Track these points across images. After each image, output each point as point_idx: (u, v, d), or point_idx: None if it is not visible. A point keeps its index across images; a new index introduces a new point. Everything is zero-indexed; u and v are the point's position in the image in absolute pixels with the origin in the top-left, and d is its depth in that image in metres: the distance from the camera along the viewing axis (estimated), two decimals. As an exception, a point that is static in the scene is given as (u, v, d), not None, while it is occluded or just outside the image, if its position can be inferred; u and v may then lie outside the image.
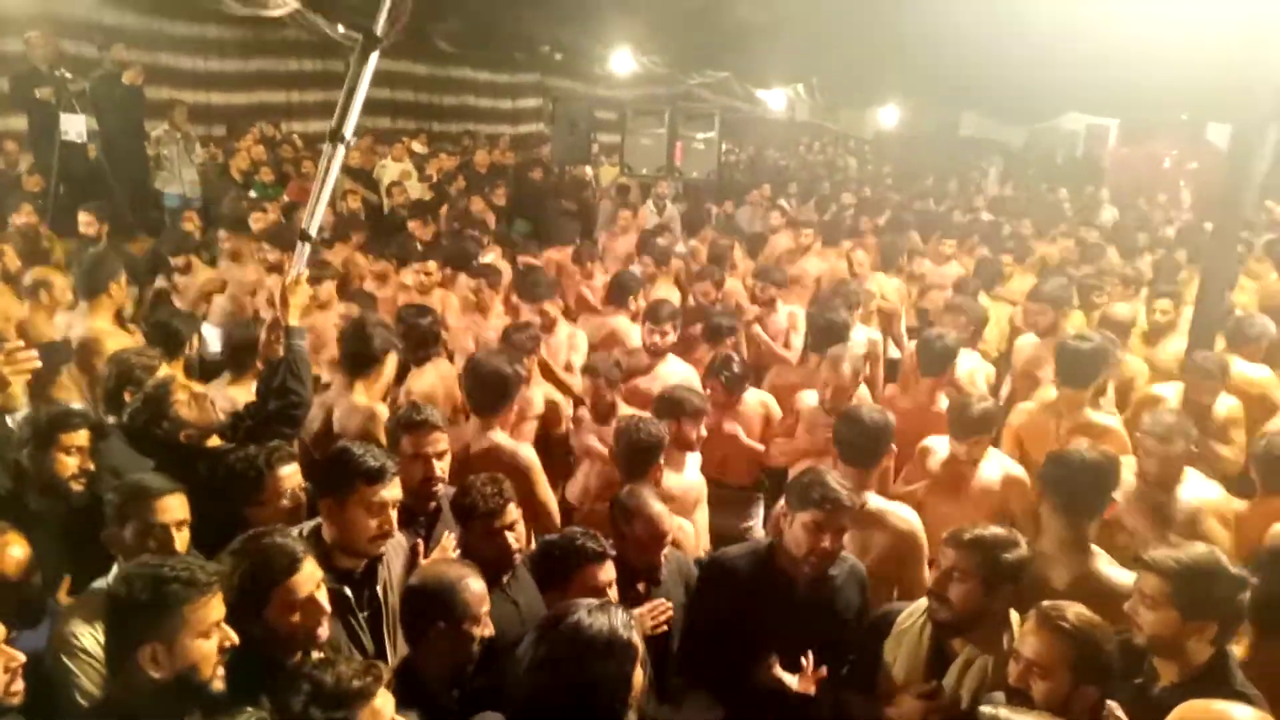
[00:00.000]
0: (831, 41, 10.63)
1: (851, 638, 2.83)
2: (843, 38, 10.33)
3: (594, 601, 2.01)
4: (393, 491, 2.54)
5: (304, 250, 3.67)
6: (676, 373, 4.68)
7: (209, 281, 6.12)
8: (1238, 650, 2.50)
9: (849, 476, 3.15)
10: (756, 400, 4.50)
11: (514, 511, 2.77)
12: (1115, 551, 3.02)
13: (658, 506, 2.88)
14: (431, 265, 5.85)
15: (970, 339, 5.09)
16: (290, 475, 2.89)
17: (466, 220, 8.31)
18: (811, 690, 2.66)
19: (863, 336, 5.28)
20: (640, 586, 2.84)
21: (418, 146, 12.82)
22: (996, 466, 3.74)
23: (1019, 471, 3.78)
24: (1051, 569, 2.90)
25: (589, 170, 12.92)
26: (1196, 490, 3.53)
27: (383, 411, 3.66)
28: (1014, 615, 2.55)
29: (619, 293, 5.61)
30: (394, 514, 2.55)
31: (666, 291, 6.34)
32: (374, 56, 3.76)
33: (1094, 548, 2.94)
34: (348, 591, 2.47)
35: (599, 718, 1.92)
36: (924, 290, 7.17)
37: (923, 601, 2.64)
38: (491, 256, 6.71)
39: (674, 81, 13.14)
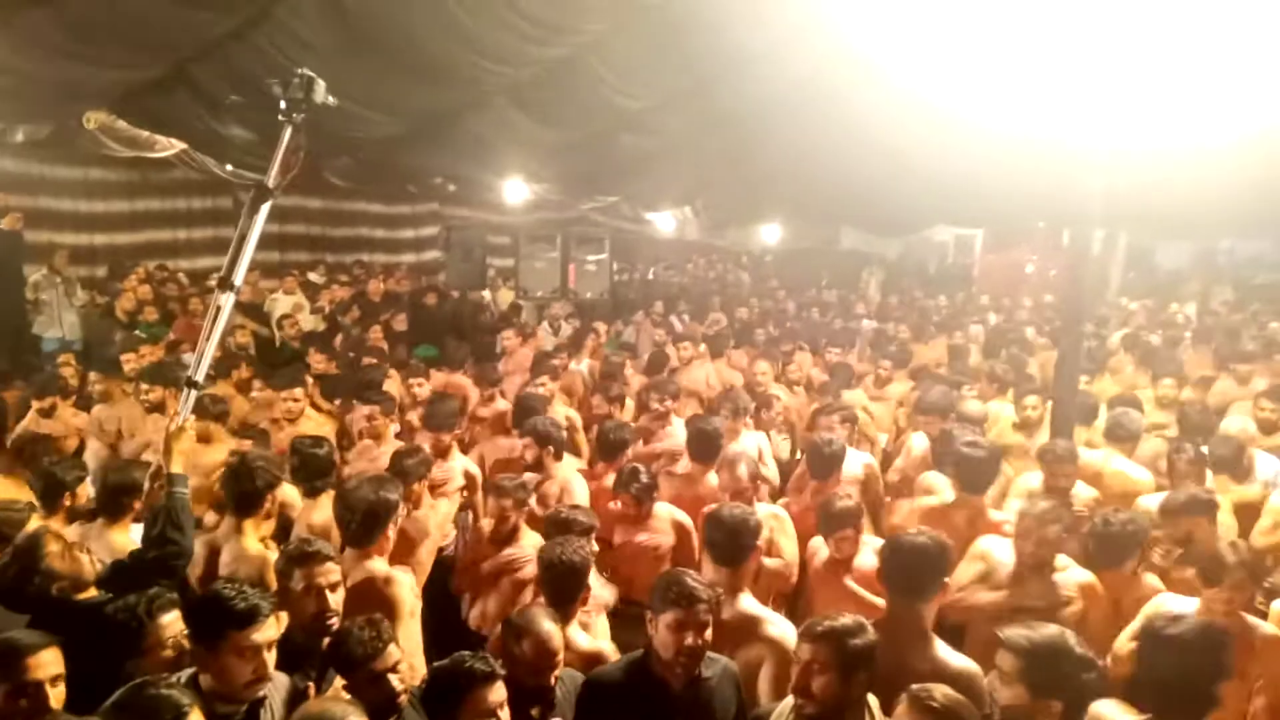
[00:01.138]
0: (714, 167, 11.23)
1: None
2: (724, 164, 10.94)
3: None
4: (266, 633, 2.49)
5: (190, 397, 3.64)
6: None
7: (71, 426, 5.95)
8: None
9: (720, 577, 3.25)
10: (667, 513, 4.54)
11: (395, 653, 2.72)
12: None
13: (548, 626, 2.87)
14: (298, 392, 5.83)
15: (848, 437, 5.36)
16: (172, 623, 2.82)
17: (361, 349, 8.30)
18: None
19: (753, 442, 5.47)
20: (534, 711, 2.81)
21: (315, 277, 12.82)
22: (870, 556, 3.87)
23: None
24: (893, 651, 2.92)
25: (486, 294, 13.13)
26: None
27: (273, 556, 3.57)
28: (872, 701, 2.65)
29: (524, 414, 5.67)
30: (270, 656, 2.50)
31: (563, 410, 6.45)
32: (265, 208, 3.83)
33: (930, 632, 3.03)
34: (228, 740, 2.39)
35: None
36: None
37: (789, 700, 2.70)
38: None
39: (565, 207, 13.56)
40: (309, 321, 10.18)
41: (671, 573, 2.96)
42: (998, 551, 3.80)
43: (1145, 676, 2.66)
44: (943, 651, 3.00)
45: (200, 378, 3.69)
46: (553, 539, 3.47)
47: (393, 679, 2.69)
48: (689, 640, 2.77)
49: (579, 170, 10.53)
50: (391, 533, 3.60)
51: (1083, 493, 4.72)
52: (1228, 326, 10.93)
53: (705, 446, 4.91)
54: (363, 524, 3.49)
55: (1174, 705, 2.55)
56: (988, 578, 3.75)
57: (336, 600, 2.97)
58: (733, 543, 3.33)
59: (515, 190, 11.55)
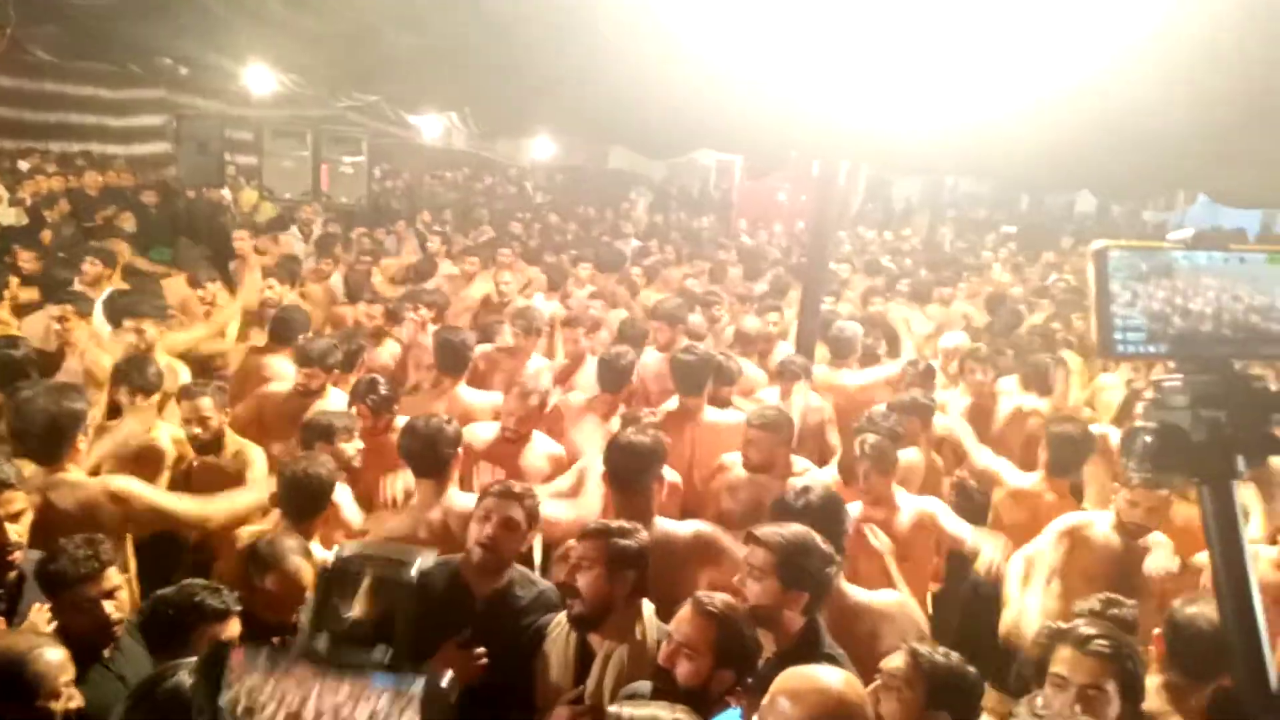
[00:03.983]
0: (482, 73, 10.78)
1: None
2: (493, 70, 10.51)
3: (195, 660, 1.84)
4: None
5: None
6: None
7: None
8: None
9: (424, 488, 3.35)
10: None
11: (114, 576, 2.46)
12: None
13: (296, 560, 2.71)
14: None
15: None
16: None
17: (75, 248, 7.38)
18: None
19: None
20: (275, 640, 2.65)
21: (24, 165, 11.15)
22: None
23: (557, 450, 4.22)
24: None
25: (226, 193, 11.98)
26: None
27: None
28: (647, 607, 2.73)
29: (285, 330, 5.26)
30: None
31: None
32: None
33: (657, 521, 3.29)
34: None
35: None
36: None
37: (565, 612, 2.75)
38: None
39: (318, 103, 12.52)
40: (7, 215, 8.84)
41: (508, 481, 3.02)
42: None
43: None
44: (667, 525, 3.28)
45: None
46: (298, 454, 3.28)
47: (108, 605, 2.43)
48: (486, 530, 2.79)
49: (333, 61, 9.72)
50: (82, 444, 3.27)
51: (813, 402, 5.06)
52: (949, 254, 12.19)
53: (453, 359, 4.81)
54: (43, 437, 3.13)
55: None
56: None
57: (19, 530, 2.62)
58: (430, 452, 3.36)
59: (259, 79, 10.48)
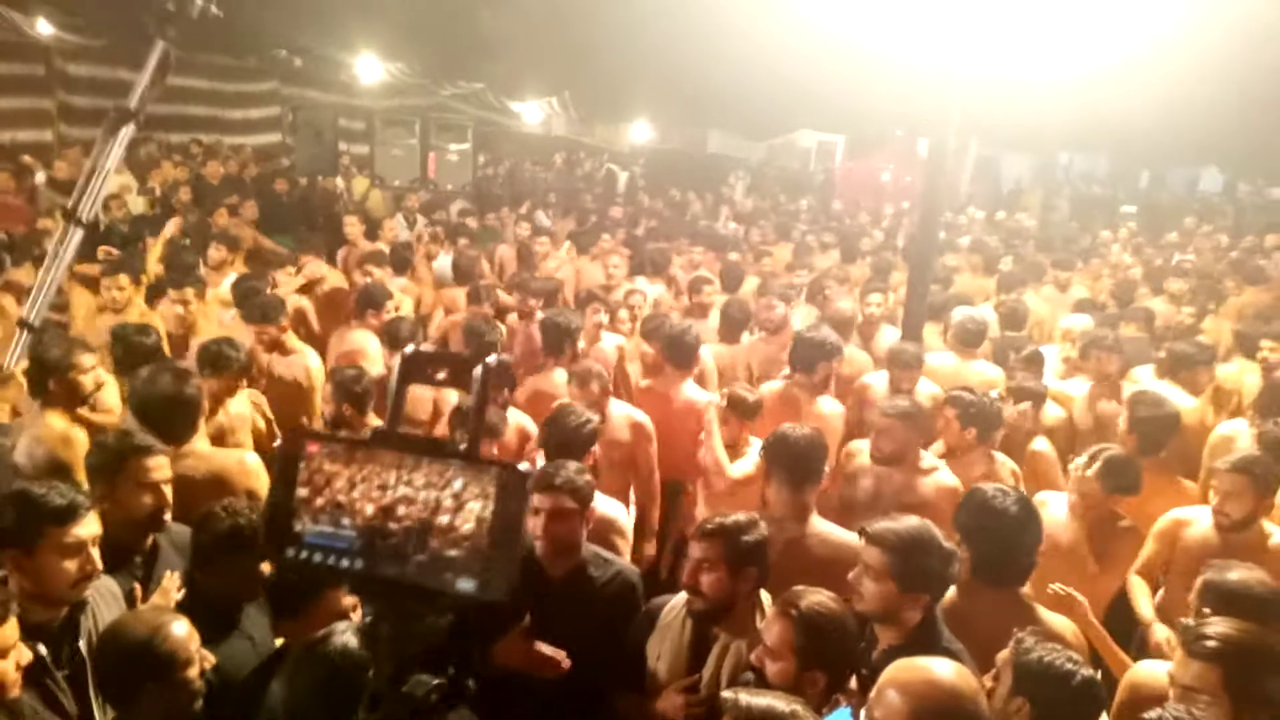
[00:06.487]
0: (582, 56, 10.89)
1: (611, 640, 2.79)
2: (592, 53, 10.61)
3: (349, 624, 1.92)
4: (89, 528, 2.28)
5: (23, 339, 3.23)
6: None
7: None
8: None
9: None
10: (514, 422, 4.31)
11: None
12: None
13: None
14: (124, 279, 5.41)
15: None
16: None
17: (205, 235, 7.75)
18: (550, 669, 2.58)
19: (611, 343, 5.42)
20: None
21: (143, 152, 11.76)
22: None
23: None
24: (779, 534, 3.02)
25: (339, 182, 12.41)
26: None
27: (79, 436, 3.33)
28: (765, 597, 2.66)
29: (366, 302, 5.44)
30: (96, 551, 2.29)
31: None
32: (126, 131, 3.31)
33: (814, 515, 3.18)
34: (42, 649, 2.19)
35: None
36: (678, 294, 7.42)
37: (683, 595, 2.68)
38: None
39: (425, 92, 12.89)
40: (138, 204, 9.35)
41: (555, 461, 2.94)
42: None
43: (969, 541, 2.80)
44: (823, 528, 3.13)
45: (37, 319, 3.25)
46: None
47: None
48: (539, 523, 2.75)
49: (438, 49, 9.97)
50: (202, 425, 3.42)
51: (924, 390, 4.89)
52: (1064, 235, 11.67)
53: (556, 340, 4.83)
54: (168, 421, 3.25)
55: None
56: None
57: (168, 495, 2.75)
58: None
59: (369, 69, 10.85)
